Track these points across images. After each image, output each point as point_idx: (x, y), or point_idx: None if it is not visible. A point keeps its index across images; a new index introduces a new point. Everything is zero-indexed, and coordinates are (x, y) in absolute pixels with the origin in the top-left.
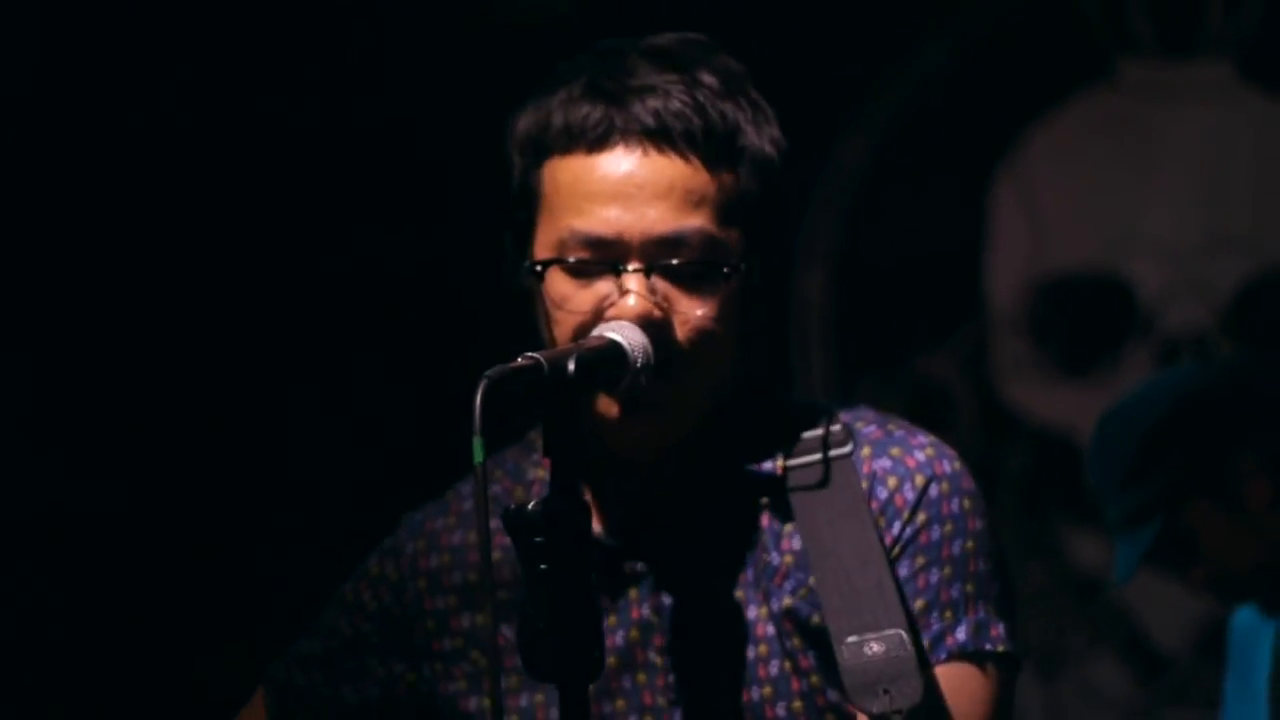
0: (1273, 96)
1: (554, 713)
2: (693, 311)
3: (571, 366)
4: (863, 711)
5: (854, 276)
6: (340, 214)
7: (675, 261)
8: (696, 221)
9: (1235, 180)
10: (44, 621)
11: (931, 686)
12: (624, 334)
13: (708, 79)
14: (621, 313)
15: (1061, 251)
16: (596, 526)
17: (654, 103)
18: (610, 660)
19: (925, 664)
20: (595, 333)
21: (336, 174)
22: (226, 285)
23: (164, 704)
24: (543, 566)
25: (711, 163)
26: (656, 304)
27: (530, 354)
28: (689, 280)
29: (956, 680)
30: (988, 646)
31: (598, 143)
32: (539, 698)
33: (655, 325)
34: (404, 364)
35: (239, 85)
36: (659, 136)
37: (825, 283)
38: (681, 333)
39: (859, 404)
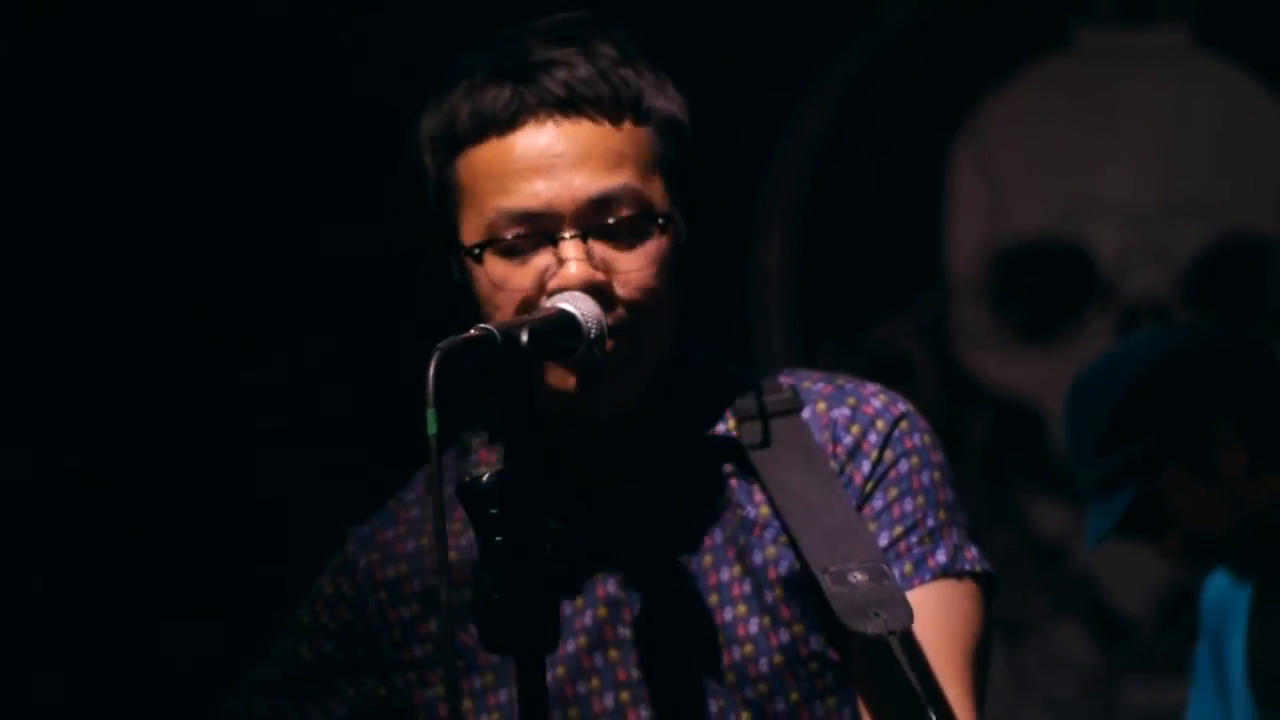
0: (1231, 61)
1: (502, 694)
2: (633, 269)
3: (525, 337)
4: (856, 632)
5: (813, 244)
6: (308, 192)
7: (610, 221)
8: (621, 178)
9: (1194, 146)
10: (8, 600)
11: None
12: (576, 304)
13: (604, 49)
14: (564, 281)
15: (1021, 218)
16: (553, 507)
17: (560, 74)
18: (580, 640)
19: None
20: (547, 304)
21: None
22: (187, 260)
23: (133, 682)
24: (498, 538)
25: (623, 124)
26: (596, 268)
27: (483, 325)
28: (625, 237)
29: (943, 598)
30: (967, 566)
31: (509, 123)
32: (488, 679)
33: (599, 291)
34: (361, 346)
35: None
36: (569, 106)
37: (784, 250)
38: (625, 293)
39: (790, 367)
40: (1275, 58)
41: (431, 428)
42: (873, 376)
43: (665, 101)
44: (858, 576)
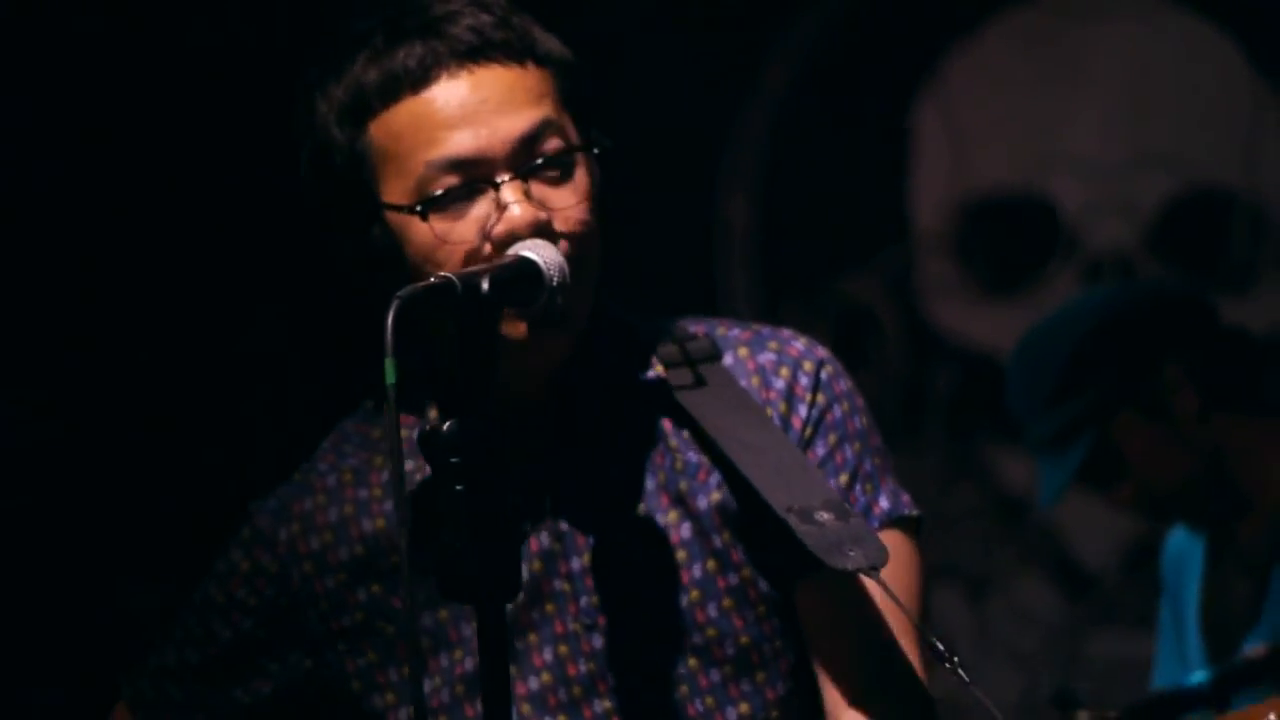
0: (1194, 13)
1: (465, 628)
2: (570, 204)
3: (485, 285)
4: (837, 568)
5: (777, 200)
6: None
7: (539, 159)
8: (542, 112)
9: (1157, 98)
10: None
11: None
12: (539, 252)
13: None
14: (511, 225)
15: (984, 172)
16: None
17: (465, 23)
18: (519, 596)
19: None
20: (510, 251)
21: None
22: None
23: (87, 636)
24: (458, 487)
25: (527, 66)
26: (537, 208)
27: (443, 273)
28: (556, 173)
29: (892, 546)
30: (906, 511)
31: (423, 78)
32: (443, 614)
33: (545, 232)
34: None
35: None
36: (478, 53)
37: (748, 206)
38: (566, 229)
39: (693, 317)
40: (1238, 9)
41: (390, 377)
42: (839, 330)
43: (556, 45)
44: (824, 515)
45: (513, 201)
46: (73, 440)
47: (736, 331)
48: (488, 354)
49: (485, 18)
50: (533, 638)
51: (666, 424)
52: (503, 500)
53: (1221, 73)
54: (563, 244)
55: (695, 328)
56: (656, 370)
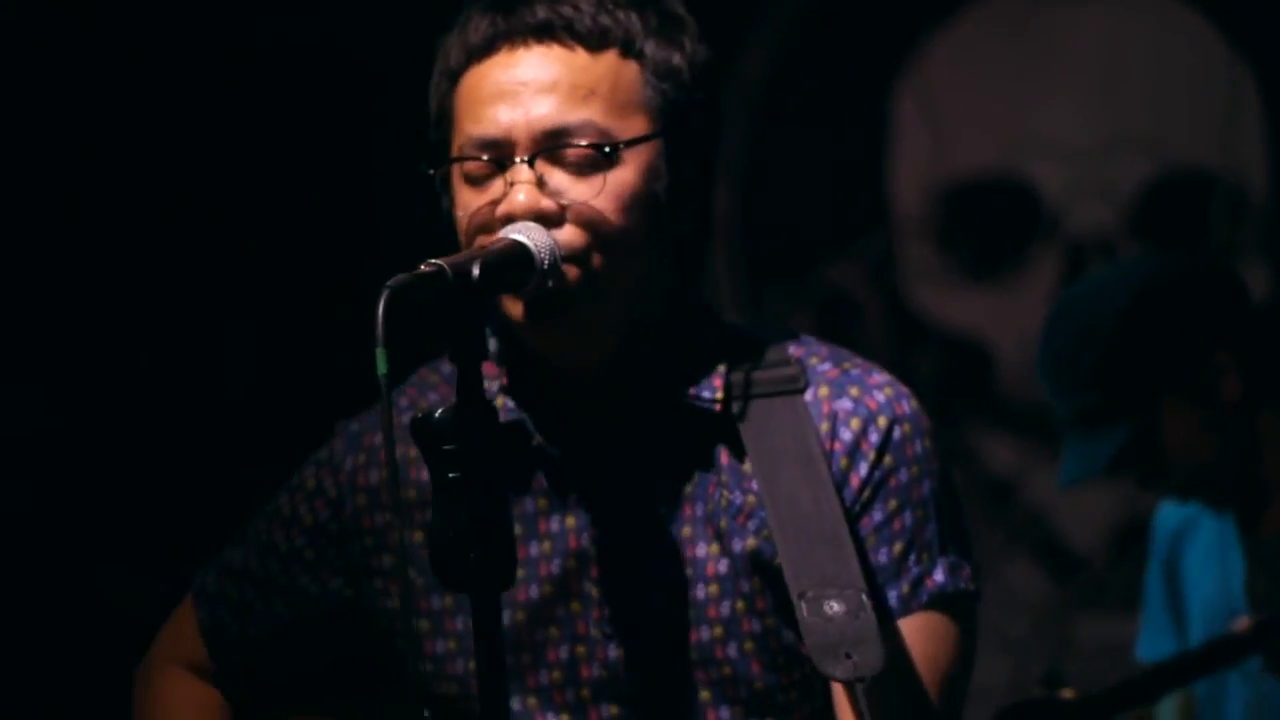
0: None
1: (459, 622)
2: (585, 200)
3: (476, 271)
4: (826, 675)
5: (758, 187)
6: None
7: (563, 149)
8: (584, 114)
9: (1134, 80)
10: None
11: (896, 644)
12: (529, 235)
13: None
14: (511, 207)
15: (964, 156)
16: (539, 438)
17: (543, 3)
18: (545, 588)
19: (887, 620)
20: (500, 234)
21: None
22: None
23: (72, 621)
24: (452, 474)
25: (603, 55)
26: (548, 196)
27: (433, 260)
28: (578, 167)
29: (934, 628)
30: (963, 586)
31: (486, 49)
32: (448, 602)
33: (551, 220)
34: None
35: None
36: (542, 32)
37: (730, 194)
38: (577, 223)
39: (806, 336)
40: None
41: (381, 368)
42: (821, 317)
43: (667, 50)
44: (834, 607)
45: (518, 183)
46: (72, 434)
47: (828, 366)
48: (480, 340)
49: (569, 5)
50: (553, 631)
51: (723, 454)
52: (499, 488)
53: (1199, 53)
54: (572, 232)
55: (795, 350)
56: (719, 393)
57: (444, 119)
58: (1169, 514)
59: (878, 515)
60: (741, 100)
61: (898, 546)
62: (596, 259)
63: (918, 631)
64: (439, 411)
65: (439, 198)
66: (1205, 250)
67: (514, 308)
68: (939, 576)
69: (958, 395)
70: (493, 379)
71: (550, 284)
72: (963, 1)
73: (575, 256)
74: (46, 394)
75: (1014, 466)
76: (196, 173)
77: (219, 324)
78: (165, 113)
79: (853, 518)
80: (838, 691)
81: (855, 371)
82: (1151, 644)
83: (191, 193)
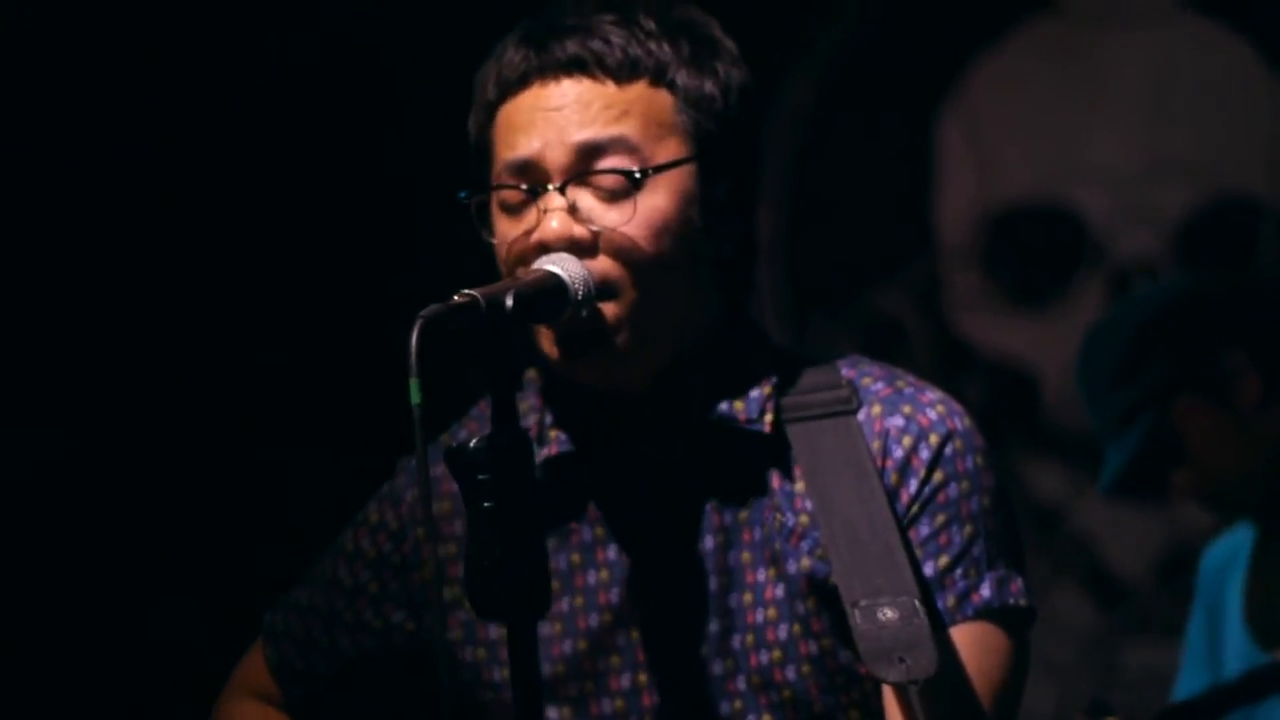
0: (1214, 20)
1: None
2: (617, 226)
3: (510, 301)
4: (879, 678)
5: (804, 213)
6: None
7: (589, 173)
8: (617, 130)
9: (1181, 107)
10: None
11: (947, 653)
12: (563, 265)
13: (645, 21)
14: (543, 235)
15: (1009, 182)
16: (591, 468)
17: (574, 38)
18: (605, 616)
19: (940, 629)
20: (534, 265)
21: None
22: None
23: (119, 661)
24: (487, 504)
25: (632, 86)
26: (580, 223)
27: (467, 291)
28: (609, 194)
29: (982, 639)
30: (1011, 601)
31: (520, 84)
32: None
33: (585, 249)
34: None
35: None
36: (574, 66)
37: (775, 220)
38: (609, 252)
39: (857, 356)
40: (1260, 17)
41: (415, 398)
42: (867, 343)
43: (700, 78)
44: (887, 614)
45: (550, 210)
46: (83, 457)
47: (881, 385)
48: (514, 371)
49: (599, 40)
50: (614, 660)
51: (775, 477)
52: (535, 517)
53: (1243, 79)
54: (606, 263)
55: (847, 371)
56: (779, 416)
57: (482, 152)
58: (1215, 553)
59: (924, 529)
60: (788, 126)
61: (943, 560)
62: (631, 291)
63: (966, 643)
64: (473, 442)
65: (479, 231)
66: (1240, 270)
67: (547, 341)
68: (985, 591)
69: (1003, 422)
70: (540, 411)
71: (584, 314)
72: (1007, 29)
73: (609, 288)
74: (64, 427)
75: (1060, 494)
76: (232, 197)
77: (251, 356)
78: (195, 130)
79: (903, 530)
80: (889, 701)
81: (908, 390)
82: (1189, 689)
83: (227, 215)
